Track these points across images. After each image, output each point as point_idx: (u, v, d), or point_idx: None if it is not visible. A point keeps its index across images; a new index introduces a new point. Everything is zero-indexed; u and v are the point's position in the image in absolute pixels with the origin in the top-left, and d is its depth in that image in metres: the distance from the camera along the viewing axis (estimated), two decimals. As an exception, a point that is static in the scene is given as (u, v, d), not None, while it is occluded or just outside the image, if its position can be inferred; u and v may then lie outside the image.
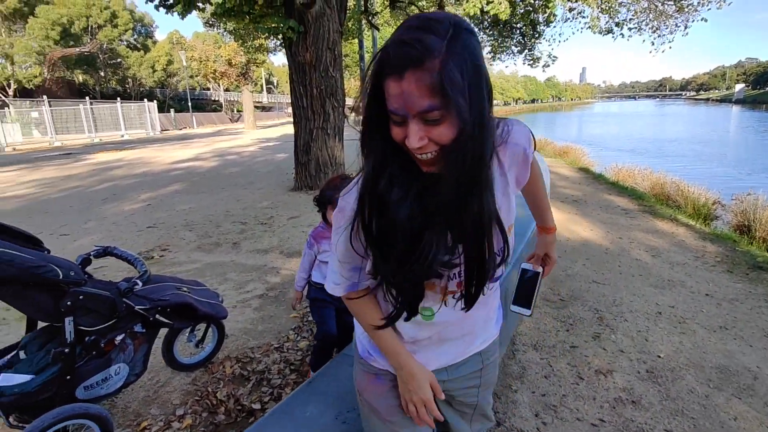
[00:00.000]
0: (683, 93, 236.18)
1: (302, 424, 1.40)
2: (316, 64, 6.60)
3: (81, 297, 1.72)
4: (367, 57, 20.85)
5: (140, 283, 1.91)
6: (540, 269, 1.24)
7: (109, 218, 6.07)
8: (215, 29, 30.97)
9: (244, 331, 2.95)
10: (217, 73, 28.81)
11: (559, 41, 11.85)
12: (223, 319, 2.39)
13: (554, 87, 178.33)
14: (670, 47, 10.83)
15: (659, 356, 2.70)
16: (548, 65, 12.29)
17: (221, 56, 28.18)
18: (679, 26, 10.52)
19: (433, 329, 1.00)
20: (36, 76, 33.85)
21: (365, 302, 1.00)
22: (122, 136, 25.41)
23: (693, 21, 10.27)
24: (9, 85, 33.33)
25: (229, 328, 2.94)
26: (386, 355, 1.03)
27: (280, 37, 6.80)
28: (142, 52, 45.34)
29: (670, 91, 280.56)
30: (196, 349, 2.52)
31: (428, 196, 0.80)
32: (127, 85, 45.77)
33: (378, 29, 15.95)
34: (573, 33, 11.57)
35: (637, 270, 4.05)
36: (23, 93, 32.80)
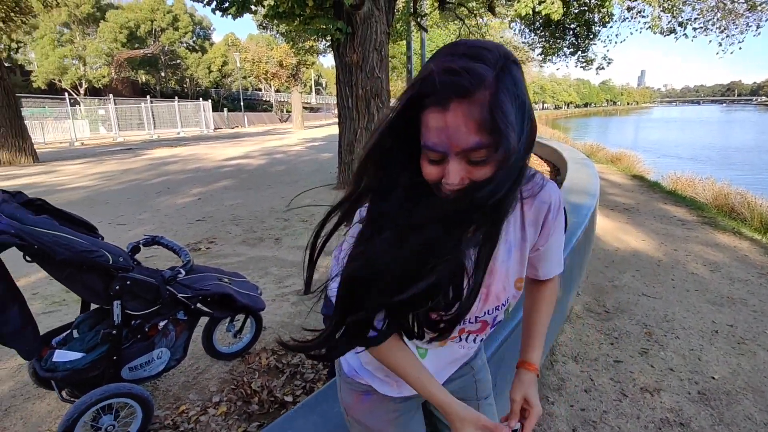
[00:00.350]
0: (754, 98, 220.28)
1: (329, 419, 1.41)
2: (362, 65, 6.66)
3: (128, 282, 1.81)
4: (415, 59, 20.87)
5: (183, 272, 1.99)
6: (517, 428, 0.96)
7: (162, 210, 6.39)
8: (268, 31, 32.06)
9: (281, 325, 3.01)
10: (268, 74, 29.71)
11: (616, 42, 11.32)
12: (261, 311, 2.45)
13: (609, 91, 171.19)
14: (740, 48, 10.12)
15: (713, 378, 2.52)
16: (603, 68, 11.78)
17: (273, 58, 29.04)
18: (751, 26, 9.81)
19: (425, 363, 0.96)
20: (104, 76, 36.22)
21: (390, 345, 0.89)
22: (178, 133, 26.70)
23: (766, 20, 9.55)
24: (81, 84, 35.86)
25: (266, 320, 3.01)
26: (426, 398, 0.92)
27: (328, 38, 6.91)
28: (199, 53, 47.55)
29: (739, 95, 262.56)
30: (234, 339, 2.59)
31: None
32: (184, 85, 48.15)
33: (426, 30, 15.88)
34: (631, 33, 11.05)
35: (693, 285, 3.80)
36: (92, 92, 35.21)
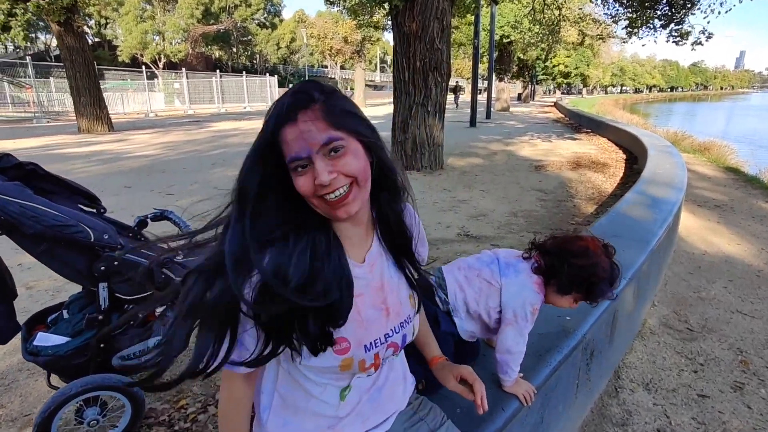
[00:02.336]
0: None
1: None
2: (421, 35, 6.18)
3: (116, 263, 1.59)
4: (483, 36, 19.76)
5: (181, 254, 1.75)
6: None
7: (212, 182, 6.38)
8: (335, 7, 31.87)
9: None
10: (333, 50, 29.64)
11: (719, 12, 9.77)
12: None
13: (701, 73, 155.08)
14: None
15: (837, 433, 1.95)
16: (700, 43, 10.29)
17: (338, 33, 28.87)
18: None
19: (351, 403, 0.97)
20: (180, 51, 37.93)
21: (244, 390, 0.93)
22: (245, 107, 27.47)
23: None
24: (160, 59, 37.84)
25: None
26: None
27: (387, 6, 6.48)
28: (269, 30, 48.52)
29: None
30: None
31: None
32: (254, 61, 49.50)
33: (497, 2, 14.89)
34: (741, 1, 9.52)
35: (804, 304, 3.11)
36: (170, 66, 37.01)
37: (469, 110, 16.00)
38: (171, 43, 38.72)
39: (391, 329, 0.97)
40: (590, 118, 15.61)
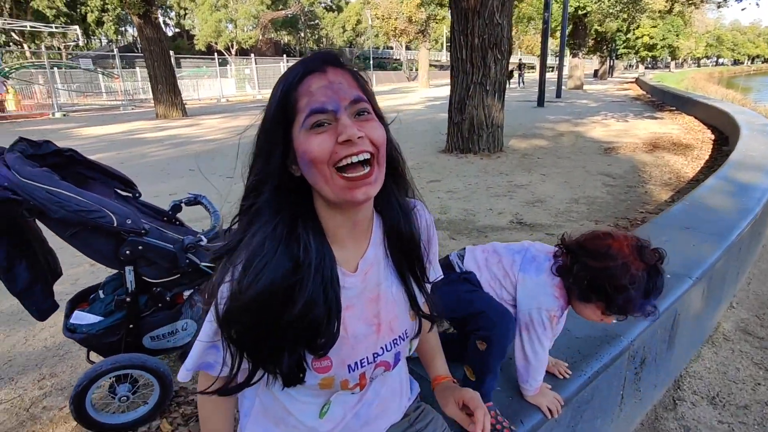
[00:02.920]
0: None
1: None
2: (480, 10, 5.85)
3: (140, 247, 1.62)
4: (555, 8, 18.46)
5: (204, 240, 1.76)
6: None
7: (270, 165, 6.54)
8: (400, -15, 31.29)
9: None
10: (397, 30, 29.26)
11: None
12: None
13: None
14: None
15: None
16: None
17: (402, 13, 28.41)
18: None
19: (334, 420, 0.88)
20: (251, 38, 39.37)
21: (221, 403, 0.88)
22: (311, 91, 28.02)
23: None
24: (232, 46, 39.55)
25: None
26: None
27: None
28: (335, 12, 48.94)
29: None
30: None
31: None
32: (321, 45, 50.24)
33: (570, -29, 13.89)
34: None
35: None
36: (241, 52, 38.59)
37: (536, 89, 15.13)
38: (243, 30, 40.28)
39: (382, 347, 0.85)
40: (675, 94, 14.15)
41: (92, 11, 34.78)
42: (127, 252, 1.62)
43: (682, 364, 2.21)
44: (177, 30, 47.07)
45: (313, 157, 0.67)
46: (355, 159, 0.67)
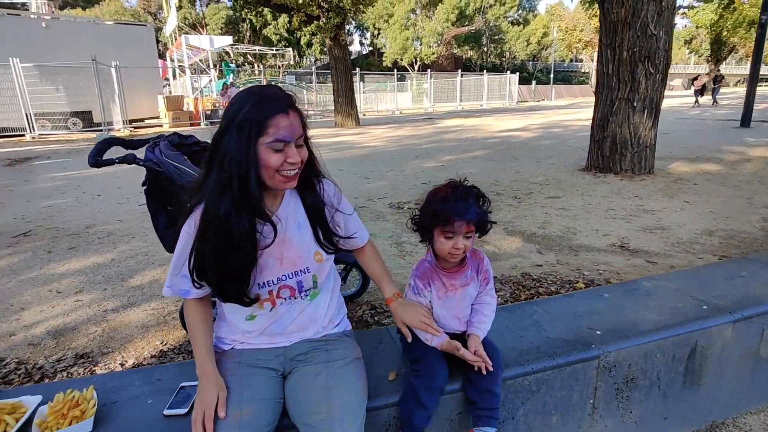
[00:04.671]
0: None
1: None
2: (631, 21, 5.46)
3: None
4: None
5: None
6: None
7: (405, 171, 7.18)
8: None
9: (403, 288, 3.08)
10: (581, 42, 27.47)
11: None
12: (353, 264, 2.61)
13: None
14: None
15: None
16: None
17: (590, 24, 26.58)
18: None
19: (258, 325, 1.35)
20: (433, 53, 41.48)
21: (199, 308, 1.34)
22: (481, 105, 28.28)
23: None
24: (415, 62, 42.30)
25: (396, 281, 3.14)
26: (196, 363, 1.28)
27: (597, -7, 5.94)
28: (521, 26, 48.05)
29: None
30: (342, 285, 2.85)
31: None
32: (503, 59, 49.94)
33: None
34: None
35: None
36: (423, 68, 40.98)
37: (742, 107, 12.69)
38: (428, 47, 42.76)
39: (285, 275, 1.31)
40: None
41: (305, 35, 41.28)
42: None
43: (727, 410, 1.98)
44: (370, 48, 52.30)
45: (270, 165, 1.16)
46: (291, 172, 1.20)
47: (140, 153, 2.17)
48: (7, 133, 14.02)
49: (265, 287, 1.28)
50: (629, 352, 1.68)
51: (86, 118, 15.78)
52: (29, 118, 13.94)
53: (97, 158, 2.12)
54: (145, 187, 2.29)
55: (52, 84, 14.73)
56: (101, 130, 14.41)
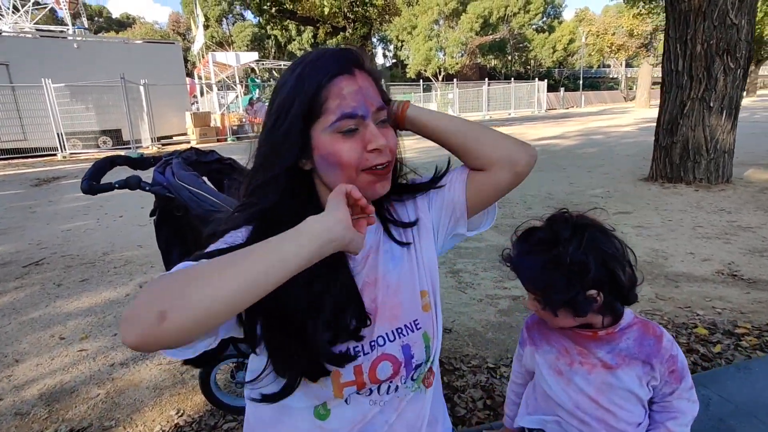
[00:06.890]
0: None
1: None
2: (706, 10, 4.78)
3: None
4: None
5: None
6: None
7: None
8: (623, -3, 28.32)
9: (470, 333, 2.49)
10: (613, 46, 26.56)
11: None
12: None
13: None
14: None
15: None
16: None
17: (622, 27, 25.67)
18: None
19: (333, 425, 0.76)
20: (457, 63, 41.02)
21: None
22: (509, 114, 27.56)
23: None
24: (439, 72, 41.89)
25: (458, 322, 2.57)
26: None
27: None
28: (546, 33, 47.22)
29: None
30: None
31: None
32: (528, 67, 49.06)
33: None
34: None
35: None
36: (447, 78, 40.54)
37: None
38: (452, 57, 42.30)
39: (384, 336, 0.76)
40: None
41: (328, 49, 41.48)
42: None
43: None
44: (394, 60, 52.31)
45: (343, 162, 0.69)
46: (380, 166, 0.71)
47: (148, 175, 1.67)
48: (38, 153, 14.11)
49: (349, 359, 0.72)
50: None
51: (116, 136, 15.82)
52: (60, 137, 14.00)
53: (92, 182, 1.62)
54: (154, 218, 1.80)
55: (82, 103, 14.80)
56: (129, 148, 14.38)
